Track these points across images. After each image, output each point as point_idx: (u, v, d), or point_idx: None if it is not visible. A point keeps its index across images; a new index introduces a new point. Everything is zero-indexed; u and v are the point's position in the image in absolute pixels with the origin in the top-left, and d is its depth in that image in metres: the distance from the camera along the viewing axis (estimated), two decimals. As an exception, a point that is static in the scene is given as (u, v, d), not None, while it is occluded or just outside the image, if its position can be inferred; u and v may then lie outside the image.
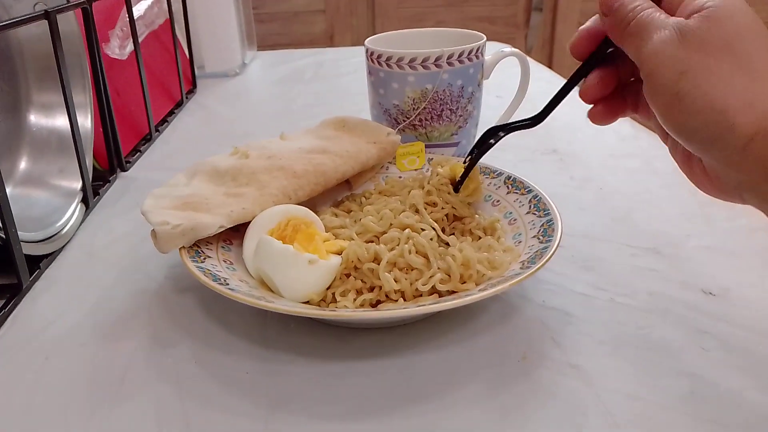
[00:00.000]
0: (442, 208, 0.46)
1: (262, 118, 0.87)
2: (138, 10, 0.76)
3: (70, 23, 0.58)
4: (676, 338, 0.38)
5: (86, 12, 0.60)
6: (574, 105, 0.85)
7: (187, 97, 0.91)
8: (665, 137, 0.37)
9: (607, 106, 0.38)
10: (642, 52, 0.31)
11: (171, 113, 0.85)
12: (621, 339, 0.38)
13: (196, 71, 0.99)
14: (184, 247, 0.41)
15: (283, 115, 0.86)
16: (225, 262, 0.42)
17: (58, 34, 0.53)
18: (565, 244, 0.48)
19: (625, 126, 0.75)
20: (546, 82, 0.96)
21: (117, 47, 0.71)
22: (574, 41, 0.37)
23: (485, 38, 0.57)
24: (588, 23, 0.37)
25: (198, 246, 0.42)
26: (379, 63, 0.56)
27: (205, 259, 0.41)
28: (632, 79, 0.38)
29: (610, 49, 0.36)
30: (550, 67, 1.78)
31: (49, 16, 0.51)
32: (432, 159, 0.55)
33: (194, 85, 0.97)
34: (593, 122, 0.39)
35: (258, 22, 1.68)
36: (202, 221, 0.41)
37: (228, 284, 0.37)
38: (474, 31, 0.59)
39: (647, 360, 0.36)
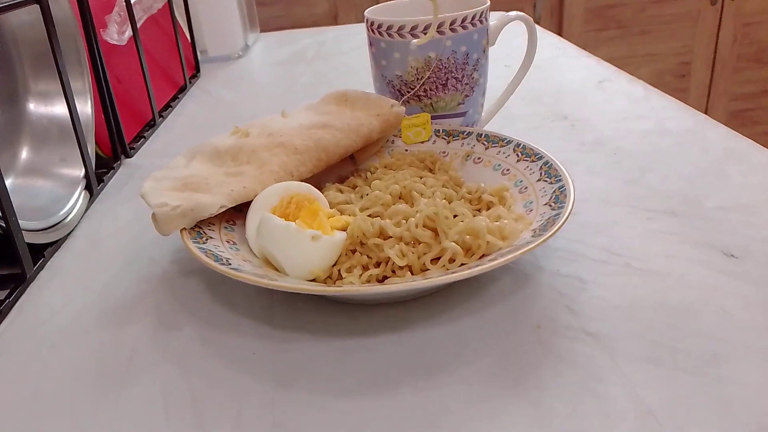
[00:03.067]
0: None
1: (265, 99, 0.85)
2: (134, -5, 0.75)
3: (63, 9, 0.57)
4: (696, 301, 0.37)
5: (80, -4, 0.59)
6: (584, 70, 0.83)
7: (190, 82, 0.90)
8: None
9: None
10: None
11: (175, 98, 0.84)
12: (638, 303, 0.37)
13: (199, 56, 0.98)
14: (185, 228, 0.40)
15: (287, 95, 0.85)
16: (228, 242, 0.41)
17: (52, 19, 0.52)
18: (578, 210, 0.47)
19: (636, 88, 0.73)
20: (555, 47, 0.93)
21: (115, 33, 0.70)
22: None
23: (489, 2, 0.55)
24: None
25: (200, 227, 0.41)
26: (379, 33, 0.54)
27: (207, 240, 0.40)
28: None
29: None
30: (560, 35, 1.75)
31: (40, 1, 0.51)
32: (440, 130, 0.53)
33: (197, 69, 0.96)
34: None
35: (259, 5, 1.66)
36: (202, 201, 0.40)
37: (230, 264, 0.37)
38: (476, -4, 0.57)
39: (667, 323, 0.35)
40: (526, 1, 1.74)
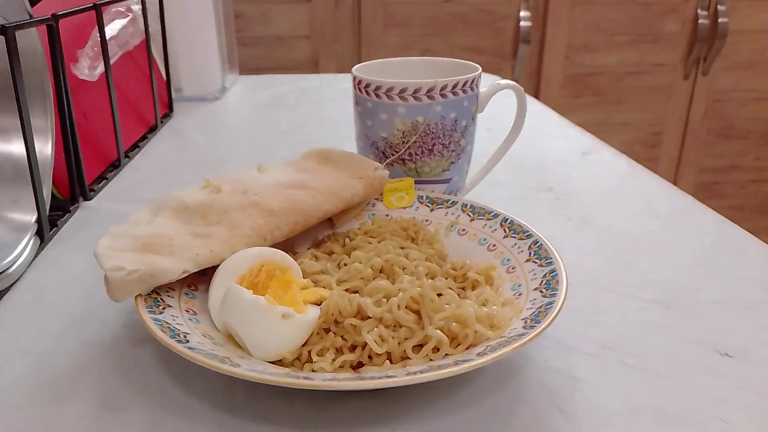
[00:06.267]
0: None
1: (241, 145, 0.82)
2: (111, 30, 0.72)
3: (32, 40, 0.54)
4: (694, 409, 0.34)
5: (51, 29, 0.56)
6: (568, 139, 0.82)
7: (162, 122, 0.87)
8: None
9: None
10: None
11: (143, 138, 0.80)
12: (636, 409, 0.34)
13: (174, 94, 0.95)
14: (140, 294, 0.36)
15: (264, 142, 0.82)
16: (188, 312, 0.37)
17: (17, 52, 0.48)
18: (568, 295, 0.44)
19: (621, 163, 0.72)
20: (537, 114, 0.93)
21: (86, 68, 0.67)
22: None
23: (480, 69, 0.53)
24: None
25: (158, 293, 0.37)
26: (366, 92, 0.51)
27: (164, 309, 0.36)
28: None
29: None
30: (536, 98, 1.77)
31: (6, 32, 0.47)
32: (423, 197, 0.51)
33: (170, 108, 0.92)
34: None
35: (241, 45, 1.64)
36: (162, 266, 0.36)
37: (188, 341, 0.33)
38: (467, 61, 0.55)
39: (666, 436, 0.32)
40: (506, 63, 1.76)
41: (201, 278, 0.40)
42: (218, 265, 0.39)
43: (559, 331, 0.40)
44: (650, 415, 0.33)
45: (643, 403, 0.34)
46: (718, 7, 1.73)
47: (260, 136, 0.85)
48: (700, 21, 1.74)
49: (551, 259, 0.40)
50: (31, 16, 0.54)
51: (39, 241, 0.52)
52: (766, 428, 0.33)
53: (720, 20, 1.74)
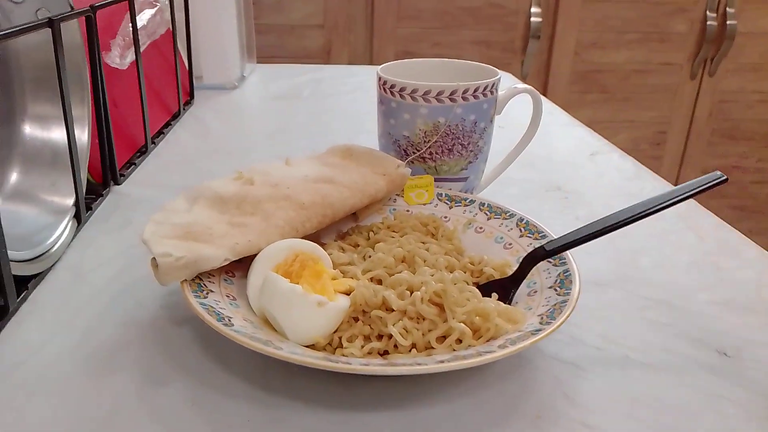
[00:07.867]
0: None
1: (259, 135, 0.85)
2: (141, 20, 0.74)
3: (71, 32, 0.56)
4: (692, 401, 0.37)
5: (90, 20, 0.58)
6: (576, 140, 0.84)
7: (184, 109, 0.89)
8: None
9: None
10: None
11: (167, 125, 0.83)
12: (637, 399, 0.37)
13: (194, 82, 0.97)
14: (186, 280, 0.39)
15: (281, 132, 0.84)
16: (228, 297, 0.40)
17: (61, 43, 0.51)
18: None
19: (627, 164, 0.74)
20: (547, 113, 0.94)
21: (117, 57, 0.69)
22: None
23: (500, 74, 0.55)
24: None
25: (200, 279, 0.40)
26: (391, 93, 0.54)
27: (207, 294, 0.39)
28: None
29: None
30: (544, 94, 1.79)
31: (52, 24, 0.49)
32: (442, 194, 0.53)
33: (192, 96, 0.95)
34: None
35: (255, 33, 1.67)
36: (205, 253, 0.39)
37: (233, 325, 0.36)
38: (487, 65, 0.58)
39: (664, 423, 0.35)
40: (515, 58, 1.78)
41: (238, 265, 0.43)
42: (255, 254, 0.42)
43: (569, 326, 0.43)
44: (648, 404, 0.36)
45: (643, 393, 0.37)
46: (727, 9, 1.75)
47: (279, 127, 0.87)
48: (708, 22, 1.76)
49: (565, 259, 0.43)
50: (72, 8, 0.56)
51: (76, 224, 0.54)
52: (755, 422, 0.36)
53: (729, 22, 1.76)
